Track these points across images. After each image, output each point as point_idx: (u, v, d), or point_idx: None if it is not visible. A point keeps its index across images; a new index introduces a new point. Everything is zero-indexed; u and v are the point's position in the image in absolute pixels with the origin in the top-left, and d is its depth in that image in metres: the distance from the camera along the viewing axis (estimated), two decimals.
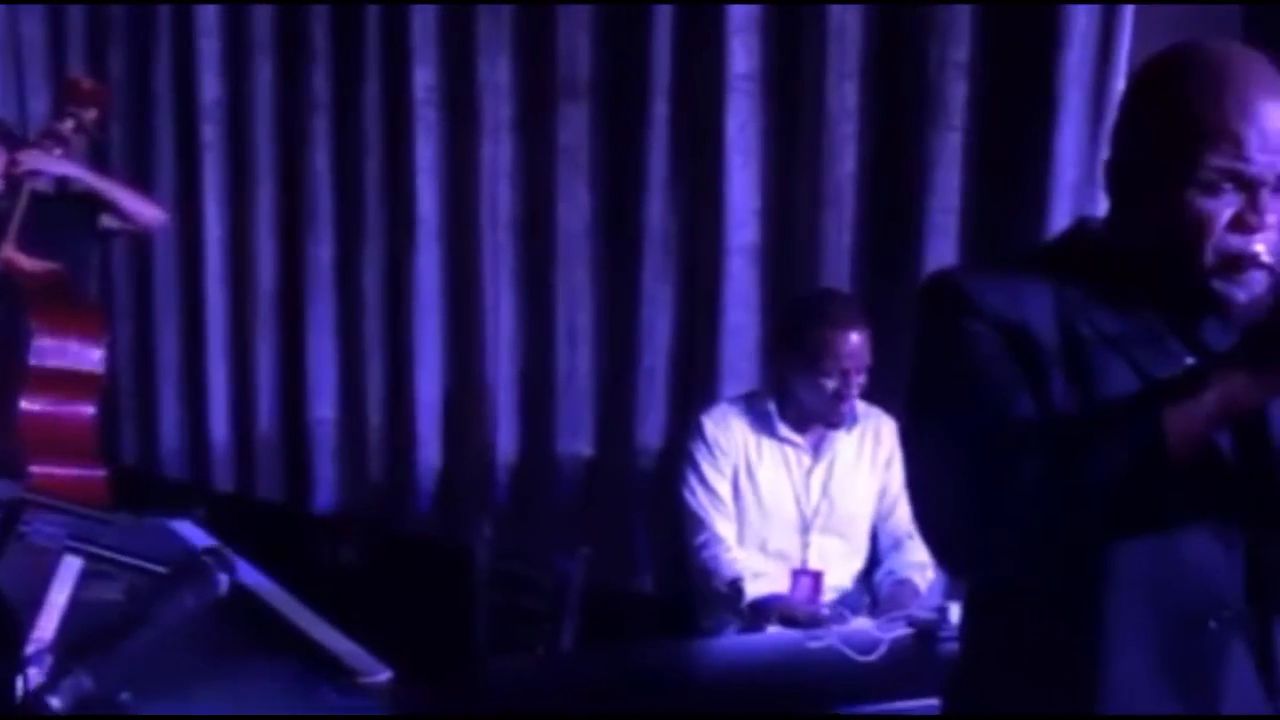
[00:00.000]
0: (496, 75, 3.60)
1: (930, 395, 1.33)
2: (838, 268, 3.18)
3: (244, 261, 4.12)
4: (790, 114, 3.25)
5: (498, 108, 3.61)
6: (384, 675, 1.70)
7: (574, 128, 3.51)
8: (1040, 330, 1.28)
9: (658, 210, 3.42)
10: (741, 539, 2.76)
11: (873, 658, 2.29)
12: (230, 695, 1.55)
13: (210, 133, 4.10)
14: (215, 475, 4.20)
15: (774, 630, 2.57)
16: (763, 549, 2.76)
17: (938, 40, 2.98)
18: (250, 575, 1.82)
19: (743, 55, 3.25)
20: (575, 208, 3.54)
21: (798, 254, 3.27)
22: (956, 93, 2.98)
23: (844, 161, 3.17)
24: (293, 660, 1.73)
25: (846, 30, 3.11)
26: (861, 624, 2.52)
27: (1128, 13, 2.78)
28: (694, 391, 3.39)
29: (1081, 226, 1.40)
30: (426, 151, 3.70)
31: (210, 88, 4.09)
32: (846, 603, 2.67)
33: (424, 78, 3.68)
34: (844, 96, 3.15)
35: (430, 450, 3.80)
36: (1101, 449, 1.19)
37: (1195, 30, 3.03)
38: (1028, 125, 2.85)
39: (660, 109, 3.38)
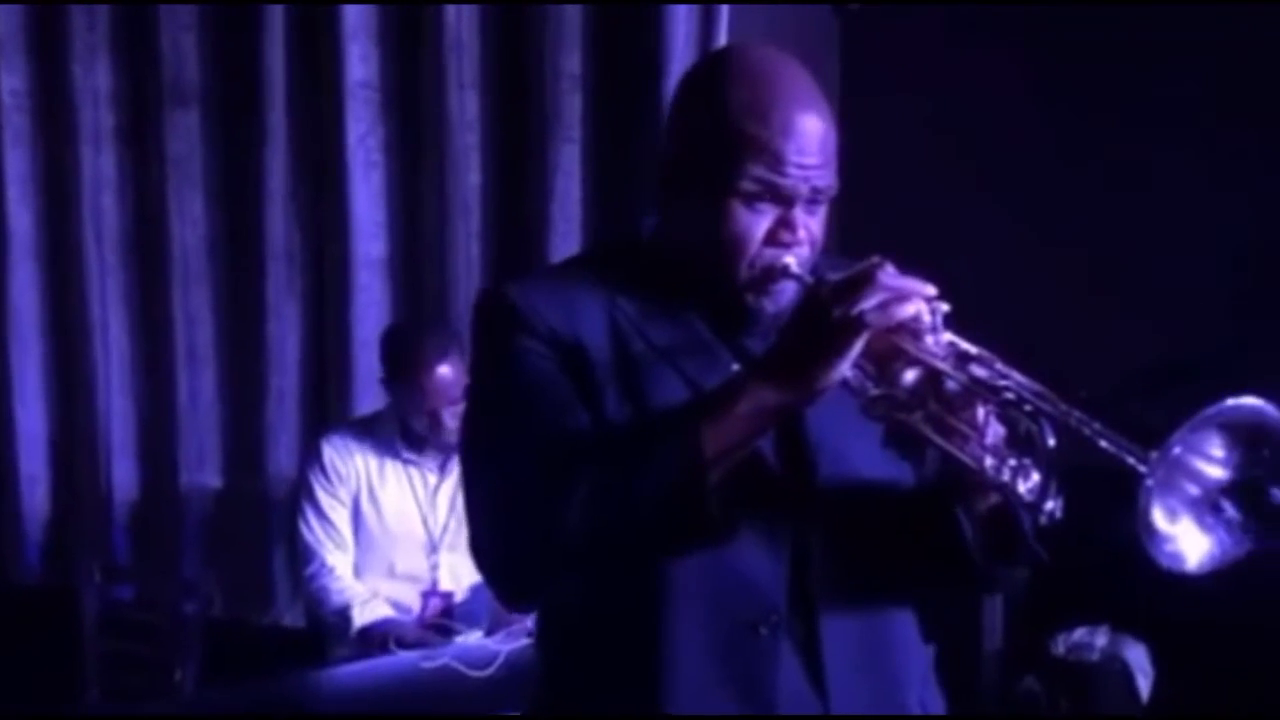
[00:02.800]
0: (95, 80, 3.34)
1: (484, 415, 1.30)
2: (467, 279, 3.14)
3: None
4: (413, 123, 3.19)
5: (98, 115, 3.35)
6: None
7: (184, 136, 3.30)
8: (594, 345, 1.27)
9: (280, 223, 3.27)
10: (368, 564, 2.72)
11: (488, 672, 2.26)
12: None
13: None
14: None
15: (393, 654, 2.51)
16: (391, 572, 2.71)
17: (551, 52, 2.99)
18: None
19: (359, 62, 3.16)
20: (190, 222, 3.34)
21: (427, 265, 3.21)
22: (572, 104, 3.01)
23: (469, 172, 3.15)
24: None
25: (463, 40, 3.08)
26: (476, 638, 2.50)
27: (723, 23, 2.86)
28: (328, 411, 3.27)
29: (635, 231, 1.40)
30: (17, 161, 3.39)
31: None
32: (465, 616, 2.64)
33: (10, 83, 3.37)
34: (465, 106, 3.12)
35: (37, 492, 3.48)
36: (642, 466, 1.19)
37: (792, 33, 3.20)
38: (638, 135, 2.89)
39: (277, 117, 3.23)
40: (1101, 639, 3.15)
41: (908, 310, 1.14)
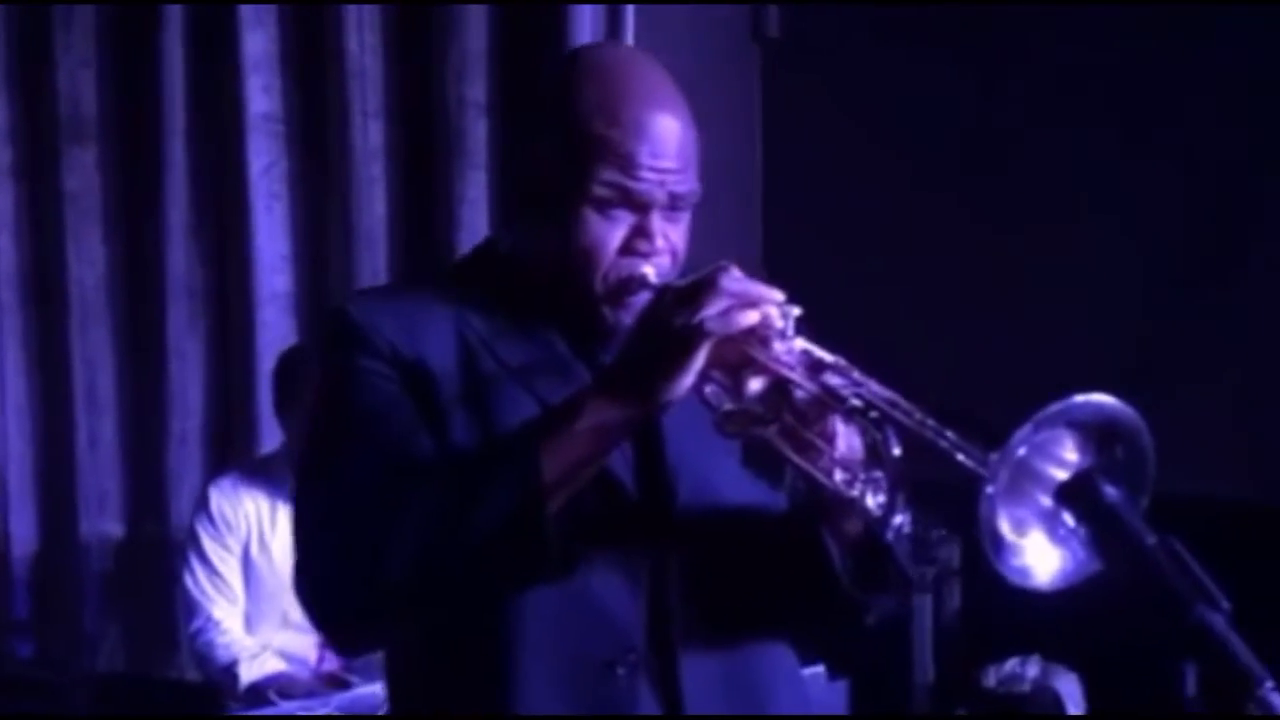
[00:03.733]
0: None
1: (317, 439, 1.22)
2: None
3: None
4: (317, 155, 3.13)
5: None
6: None
7: (81, 172, 3.20)
8: (440, 364, 1.20)
9: (180, 259, 3.18)
10: (260, 615, 2.62)
11: None
12: None
13: None
14: None
15: (274, 705, 2.40)
16: (284, 622, 2.60)
17: (455, 79, 2.94)
18: None
19: (261, 94, 3.08)
20: (88, 260, 3.23)
21: (332, 300, 3.12)
22: (478, 131, 2.95)
23: (375, 203, 3.08)
24: None
25: (366, 68, 3.02)
26: (378, 689, 2.38)
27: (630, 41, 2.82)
28: (233, 453, 3.16)
29: (490, 244, 1.33)
30: None
31: None
32: (366, 667, 2.52)
33: None
34: (369, 136, 3.06)
35: None
36: (477, 491, 1.10)
37: (710, 65, 3.17)
38: None
39: (176, 151, 3.15)
40: (1033, 670, 3.10)
41: (752, 316, 1.08)
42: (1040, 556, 0.98)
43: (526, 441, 1.11)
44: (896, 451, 1.01)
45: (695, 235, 1.25)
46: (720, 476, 1.20)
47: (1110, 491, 0.92)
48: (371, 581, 1.11)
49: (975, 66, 3.03)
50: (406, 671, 1.25)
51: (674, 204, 1.20)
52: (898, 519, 1.03)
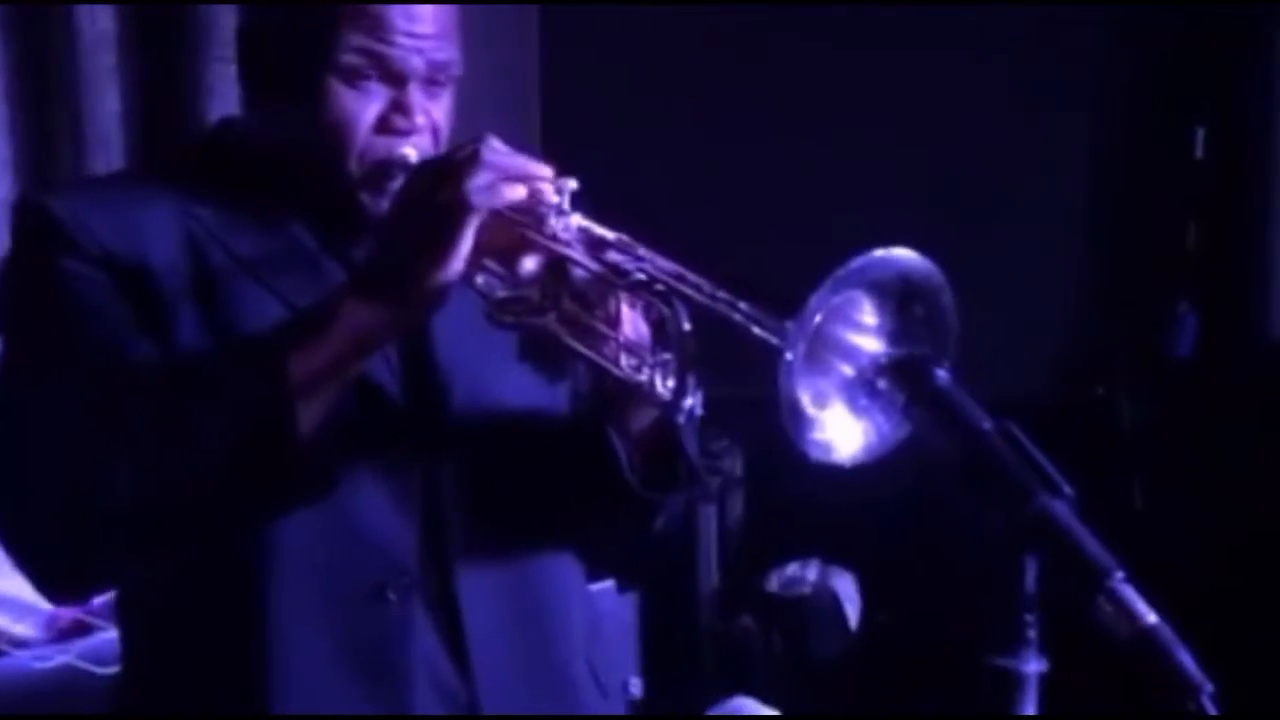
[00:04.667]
0: None
1: (15, 354, 1.04)
2: None
3: None
4: (35, 44, 2.78)
5: None
6: None
7: None
8: (161, 262, 1.04)
9: None
10: None
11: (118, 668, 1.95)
12: None
13: None
14: None
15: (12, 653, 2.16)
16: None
17: None
18: None
19: None
20: None
21: None
22: (227, 18, 2.68)
23: (107, 98, 2.78)
24: None
25: None
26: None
27: None
28: None
29: (225, 126, 1.18)
30: None
31: None
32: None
33: None
34: (97, 22, 2.74)
35: None
36: (213, 403, 0.95)
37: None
38: None
39: None
40: (813, 573, 3.14)
41: (520, 190, 0.96)
42: (842, 430, 0.89)
43: (271, 345, 0.97)
44: (686, 327, 0.91)
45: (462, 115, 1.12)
46: (497, 378, 1.08)
47: (940, 374, 0.83)
48: (84, 511, 0.96)
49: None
50: (140, 615, 1.10)
51: (433, 75, 1.07)
52: (688, 401, 0.93)
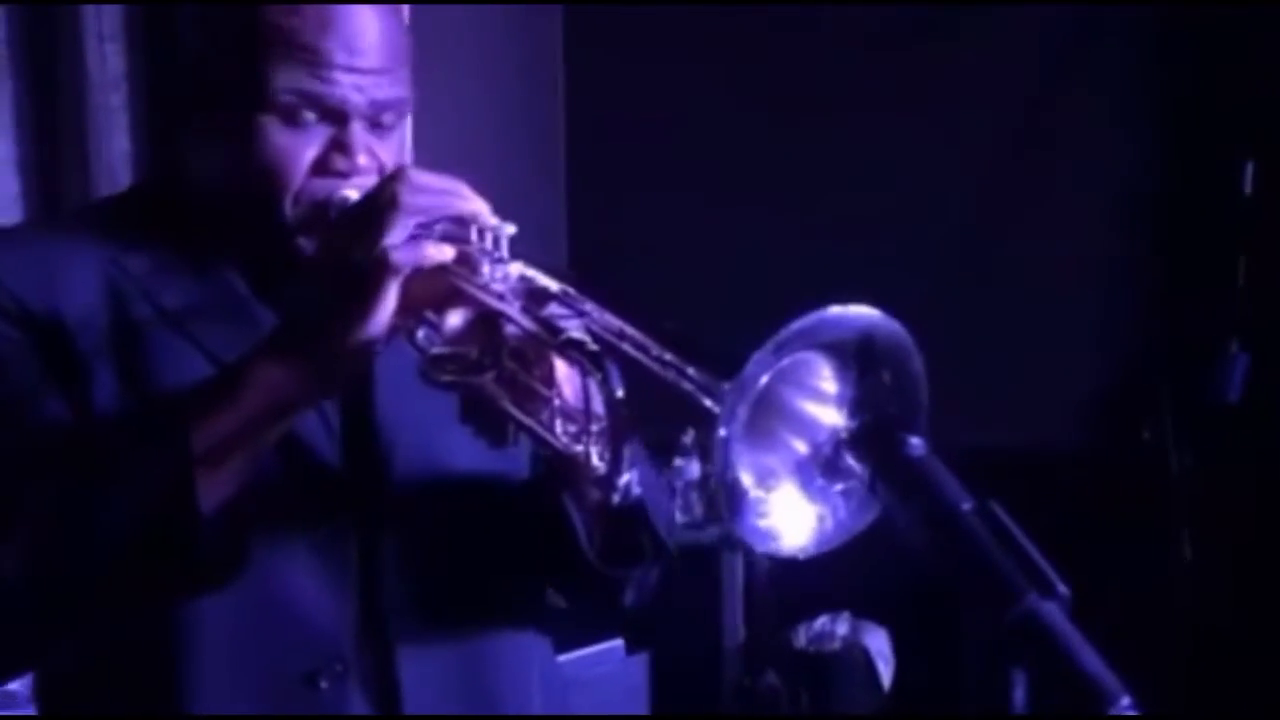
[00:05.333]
0: None
1: None
2: None
3: None
4: (46, 84, 2.77)
5: None
6: None
7: None
8: (79, 316, 0.96)
9: None
10: None
11: None
12: None
13: None
14: None
15: None
16: None
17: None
18: None
19: None
20: None
21: None
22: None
23: (116, 137, 2.76)
24: None
25: None
26: None
27: None
28: None
29: (158, 173, 1.08)
30: None
31: None
32: None
33: None
34: (108, 62, 2.72)
35: None
36: (116, 471, 0.86)
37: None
38: None
39: None
40: (843, 627, 3.02)
41: (448, 252, 0.87)
42: (790, 515, 0.77)
43: (174, 411, 0.88)
44: (619, 393, 0.80)
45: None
46: (446, 441, 0.98)
47: (914, 442, 0.71)
48: None
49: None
50: (58, 697, 1.01)
51: (378, 114, 0.97)
52: (624, 477, 0.82)
